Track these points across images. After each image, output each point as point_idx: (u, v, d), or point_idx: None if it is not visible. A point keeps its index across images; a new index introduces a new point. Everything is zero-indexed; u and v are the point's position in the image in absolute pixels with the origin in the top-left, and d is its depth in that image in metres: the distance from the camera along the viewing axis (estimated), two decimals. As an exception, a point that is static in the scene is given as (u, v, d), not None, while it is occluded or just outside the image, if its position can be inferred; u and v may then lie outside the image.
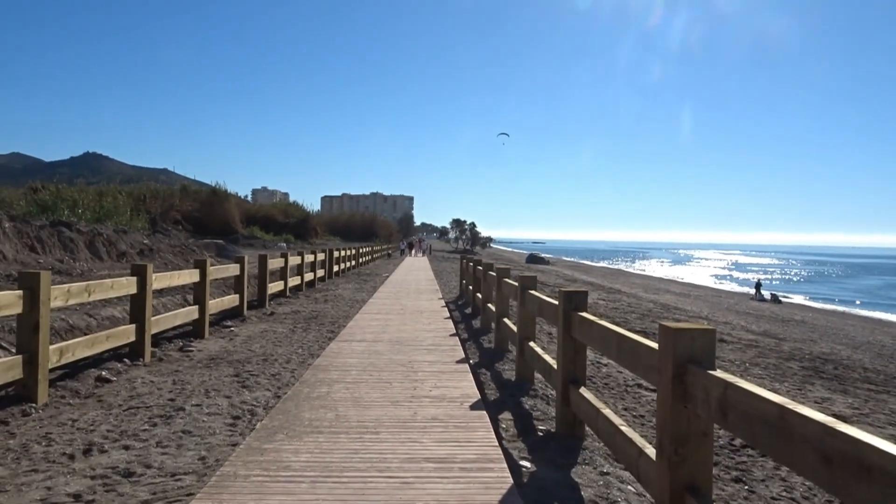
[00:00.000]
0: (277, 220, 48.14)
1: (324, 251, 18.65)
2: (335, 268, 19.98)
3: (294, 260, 14.25)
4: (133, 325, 6.35)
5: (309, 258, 15.73)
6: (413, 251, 49.76)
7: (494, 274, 8.25)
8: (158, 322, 6.91)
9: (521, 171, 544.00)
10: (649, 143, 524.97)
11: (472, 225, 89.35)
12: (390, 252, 46.81)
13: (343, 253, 21.88)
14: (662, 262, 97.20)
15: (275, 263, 12.71)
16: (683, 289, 35.08)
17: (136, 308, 6.46)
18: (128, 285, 6.26)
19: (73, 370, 5.70)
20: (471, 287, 12.30)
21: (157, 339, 7.38)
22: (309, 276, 15.75)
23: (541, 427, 4.47)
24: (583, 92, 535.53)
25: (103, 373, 5.70)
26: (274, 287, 12.38)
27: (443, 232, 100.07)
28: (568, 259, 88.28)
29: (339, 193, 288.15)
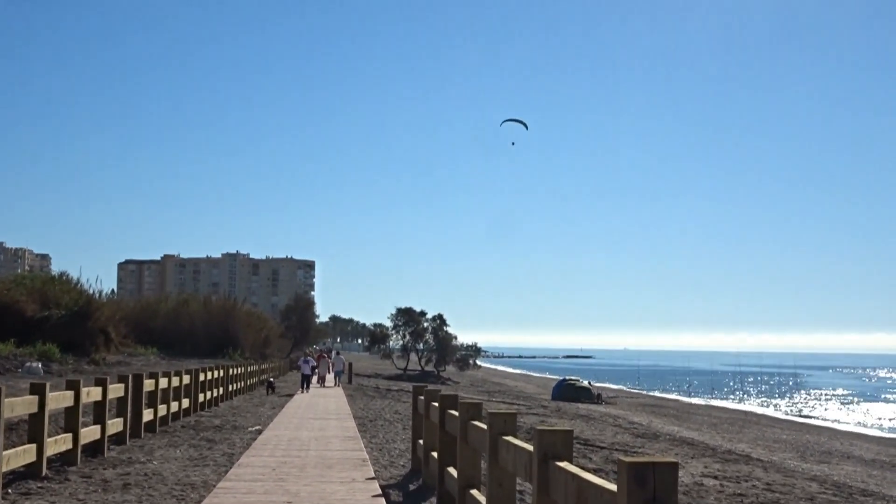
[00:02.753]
0: (23, 314, 47.45)
1: (123, 380, 18.38)
2: (147, 415, 19.92)
3: (59, 398, 14.06)
4: None
5: (91, 394, 15.61)
6: (316, 377, 49.72)
7: (484, 427, 8.27)
8: None
9: (536, 237, 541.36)
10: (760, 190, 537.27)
11: (439, 321, 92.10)
12: (272, 379, 46.52)
13: (164, 383, 21.79)
14: (832, 395, 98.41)
15: (18, 406, 12.48)
16: (880, 449, 35.45)
17: None
18: None
19: None
20: (434, 453, 12.22)
21: None
22: (91, 433, 15.55)
23: None
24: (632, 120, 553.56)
25: None
26: (14, 458, 12.09)
27: (375, 336, 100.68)
28: (640, 392, 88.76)
29: (159, 256, 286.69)
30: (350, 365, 62.95)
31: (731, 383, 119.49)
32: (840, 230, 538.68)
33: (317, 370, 50.61)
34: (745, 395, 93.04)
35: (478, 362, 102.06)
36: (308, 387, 44.81)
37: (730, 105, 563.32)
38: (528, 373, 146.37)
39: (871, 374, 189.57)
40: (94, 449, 15.79)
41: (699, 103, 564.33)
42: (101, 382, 16.38)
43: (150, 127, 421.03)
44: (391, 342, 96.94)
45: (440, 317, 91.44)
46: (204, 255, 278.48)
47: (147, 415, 19.85)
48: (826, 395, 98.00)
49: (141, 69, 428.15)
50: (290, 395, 39.22)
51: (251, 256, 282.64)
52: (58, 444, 13.85)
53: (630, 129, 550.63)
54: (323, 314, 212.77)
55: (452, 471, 10.46)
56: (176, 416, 23.47)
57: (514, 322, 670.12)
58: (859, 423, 59.25)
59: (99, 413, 16.15)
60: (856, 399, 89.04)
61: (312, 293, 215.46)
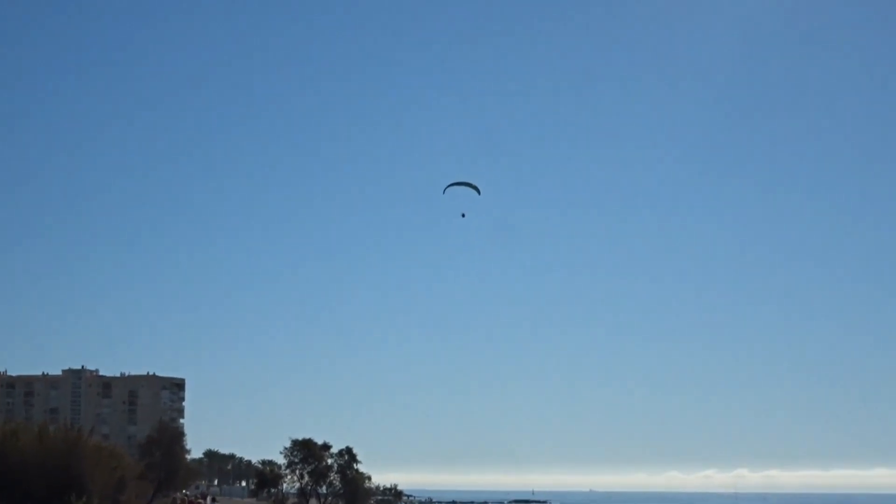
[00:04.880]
0: None
1: None
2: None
3: None
4: None
5: None
6: None
7: None
8: None
9: (472, 352, 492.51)
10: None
11: (348, 457, 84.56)
12: None
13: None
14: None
15: None
16: None
17: None
18: None
19: None
20: None
21: None
22: None
23: None
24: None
25: None
26: None
27: (265, 477, 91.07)
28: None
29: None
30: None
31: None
32: (866, 339, 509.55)
33: None
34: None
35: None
36: None
37: (690, 241, 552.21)
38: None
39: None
40: None
41: (662, 237, 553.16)
42: None
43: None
44: (285, 485, 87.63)
45: (349, 451, 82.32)
46: (39, 373, 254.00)
47: None
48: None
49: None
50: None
51: (101, 374, 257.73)
52: None
53: (592, 248, 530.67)
54: (196, 448, 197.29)
55: None
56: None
57: (445, 457, 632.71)
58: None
59: None
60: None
61: (182, 421, 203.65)
